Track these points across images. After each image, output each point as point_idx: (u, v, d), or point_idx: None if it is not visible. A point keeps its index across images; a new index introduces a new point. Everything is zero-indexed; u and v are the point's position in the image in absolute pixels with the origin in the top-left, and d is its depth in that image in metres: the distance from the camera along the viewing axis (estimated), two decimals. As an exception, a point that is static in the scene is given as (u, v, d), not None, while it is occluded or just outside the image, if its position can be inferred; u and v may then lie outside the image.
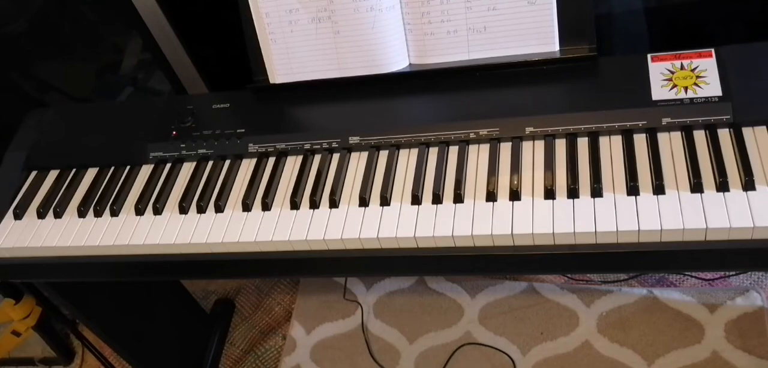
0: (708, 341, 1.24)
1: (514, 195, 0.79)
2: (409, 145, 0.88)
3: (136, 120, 1.04)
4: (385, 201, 0.83)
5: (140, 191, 0.95)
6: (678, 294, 1.31)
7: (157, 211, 0.92)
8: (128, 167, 0.99)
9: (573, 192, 0.77)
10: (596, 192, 0.76)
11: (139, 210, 0.93)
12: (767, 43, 0.81)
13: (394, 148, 0.88)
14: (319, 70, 0.94)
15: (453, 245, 0.79)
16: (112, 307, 1.26)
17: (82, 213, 0.95)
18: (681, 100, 0.80)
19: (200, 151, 0.96)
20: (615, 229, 0.73)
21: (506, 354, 1.32)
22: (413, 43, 0.91)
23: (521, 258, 0.77)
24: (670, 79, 0.82)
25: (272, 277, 1.53)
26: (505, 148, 0.84)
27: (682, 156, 0.77)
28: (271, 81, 0.97)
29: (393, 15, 0.89)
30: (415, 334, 1.41)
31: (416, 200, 0.82)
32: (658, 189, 0.74)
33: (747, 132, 0.77)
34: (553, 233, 0.75)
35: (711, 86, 0.80)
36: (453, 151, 0.86)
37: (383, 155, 0.89)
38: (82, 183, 1.00)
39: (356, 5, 0.89)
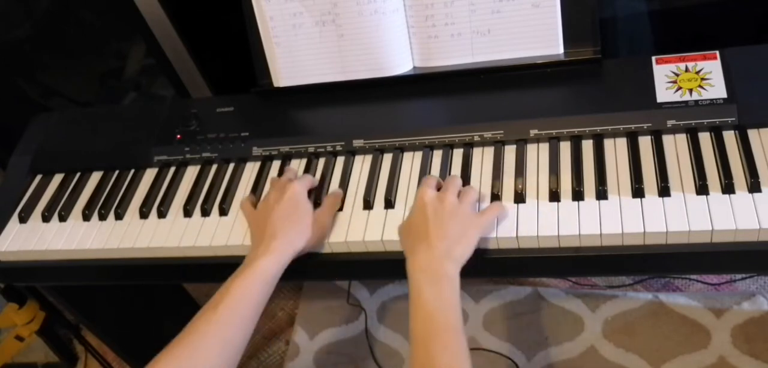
0: (714, 346, 1.23)
1: (519, 197, 0.79)
2: (413, 148, 0.88)
3: (140, 124, 1.04)
4: (389, 204, 0.83)
5: (144, 194, 0.95)
6: (684, 299, 1.31)
7: (162, 214, 0.92)
8: (132, 171, 0.99)
9: (578, 195, 0.77)
10: (601, 194, 0.76)
11: (144, 214, 0.93)
12: (772, 45, 0.81)
13: (399, 150, 0.88)
14: (323, 74, 0.94)
15: (457, 247, 0.79)
16: (116, 312, 1.26)
17: (86, 216, 0.96)
18: (686, 102, 0.80)
19: (204, 155, 0.96)
20: (620, 231, 0.73)
21: (511, 359, 1.32)
22: (417, 46, 0.91)
23: (525, 261, 0.77)
24: (674, 81, 0.82)
25: (276, 282, 1.53)
26: (510, 151, 0.84)
27: (687, 158, 0.77)
28: (275, 84, 0.97)
29: (397, 18, 0.89)
30: (419, 339, 1.40)
31: (420, 203, 0.82)
32: (664, 191, 0.74)
33: (752, 134, 0.77)
34: (558, 236, 0.74)
35: (716, 88, 0.80)
36: (457, 154, 0.86)
37: (387, 158, 0.89)
38: (86, 186, 1.00)
39: (360, 9, 0.89)
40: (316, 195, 0.87)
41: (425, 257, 0.70)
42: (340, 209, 0.85)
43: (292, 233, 0.78)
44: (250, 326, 0.74)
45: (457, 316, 0.68)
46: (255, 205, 0.87)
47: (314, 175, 0.90)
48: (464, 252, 0.72)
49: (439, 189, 0.78)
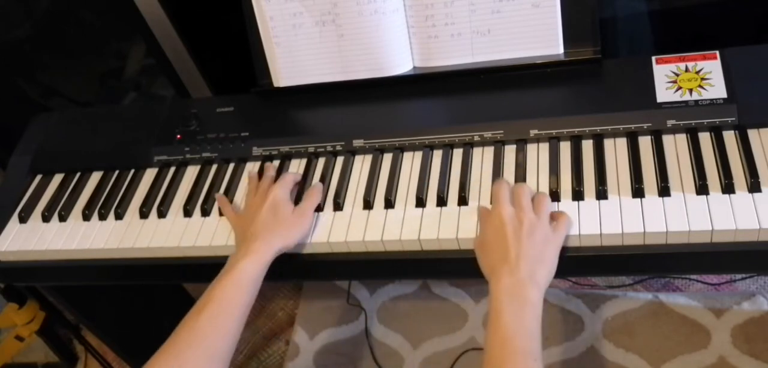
0: (714, 346, 1.23)
1: (519, 197, 0.78)
2: (413, 148, 0.88)
3: (140, 124, 1.04)
4: (389, 203, 0.83)
5: (144, 194, 0.95)
6: (684, 299, 1.31)
7: (162, 214, 0.92)
8: (132, 171, 0.99)
9: (578, 195, 0.77)
10: (601, 194, 0.76)
11: (144, 214, 0.93)
12: (772, 45, 0.81)
13: (399, 150, 0.88)
14: (323, 74, 0.94)
15: (457, 248, 0.79)
16: (116, 312, 1.26)
17: (86, 216, 0.96)
18: (686, 102, 0.80)
19: (204, 155, 0.96)
20: (620, 231, 0.73)
21: (511, 359, 1.31)
22: (417, 46, 0.91)
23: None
24: (674, 81, 0.82)
25: (276, 281, 1.53)
26: (510, 151, 0.84)
27: (687, 158, 0.77)
28: (275, 84, 0.97)
29: (397, 18, 0.89)
30: (419, 339, 1.40)
31: (420, 203, 0.82)
32: (664, 191, 0.74)
33: (752, 134, 0.77)
34: (558, 235, 0.74)
35: (716, 88, 0.80)
36: (457, 154, 0.86)
37: (387, 158, 0.89)
38: (86, 186, 1.00)
39: (360, 8, 0.89)
40: (300, 190, 0.87)
41: (509, 280, 0.69)
42: (340, 209, 0.85)
43: (274, 236, 0.79)
44: (235, 330, 0.74)
45: (536, 344, 0.66)
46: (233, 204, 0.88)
47: (314, 175, 0.90)
48: (548, 274, 0.71)
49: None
